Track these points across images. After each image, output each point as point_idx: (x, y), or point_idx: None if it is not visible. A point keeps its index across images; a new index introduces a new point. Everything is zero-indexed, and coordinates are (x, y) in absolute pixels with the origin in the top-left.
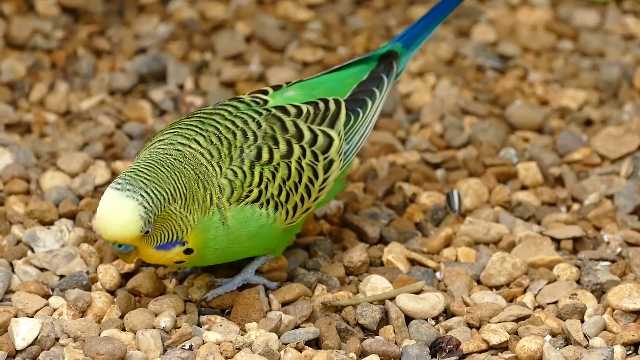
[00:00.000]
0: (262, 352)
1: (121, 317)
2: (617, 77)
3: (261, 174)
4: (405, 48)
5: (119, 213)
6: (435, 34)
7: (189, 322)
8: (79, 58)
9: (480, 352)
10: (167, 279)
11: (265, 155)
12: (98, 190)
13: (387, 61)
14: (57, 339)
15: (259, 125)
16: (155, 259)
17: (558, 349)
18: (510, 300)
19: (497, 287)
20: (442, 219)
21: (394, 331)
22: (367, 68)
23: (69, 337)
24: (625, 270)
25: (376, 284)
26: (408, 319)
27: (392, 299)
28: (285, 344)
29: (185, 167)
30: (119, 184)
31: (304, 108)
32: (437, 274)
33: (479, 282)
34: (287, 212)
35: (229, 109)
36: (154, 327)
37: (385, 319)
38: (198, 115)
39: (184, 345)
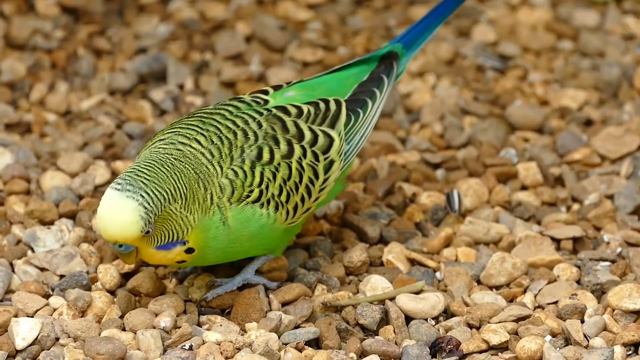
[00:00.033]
0: (262, 352)
1: (121, 317)
2: (617, 77)
3: (262, 174)
4: (405, 49)
5: (120, 213)
6: (436, 34)
7: (189, 322)
8: (79, 58)
9: (480, 352)
10: (167, 278)
11: (266, 155)
12: (98, 190)
13: (387, 62)
14: (57, 339)
15: (260, 125)
16: (156, 259)
17: (558, 349)
18: (510, 300)
19: (497, 287)
20: (442, 219)
21: (394, 331)
22: (368, 69)
23: (69, 337)
24: (625, 271)
25: (376, 284)
26: (408, 319)
27: (392, 299)
28: (285, 344)
29: (185, 167)
30: (119, 184)
31: (305, 108)
32: (437, 274)
33: (479, 282)
34: (288, 212)
35: (230, 108)
36: (154, 327)
37: (385, 319)
38: (199, 115)
39: (184, 345)
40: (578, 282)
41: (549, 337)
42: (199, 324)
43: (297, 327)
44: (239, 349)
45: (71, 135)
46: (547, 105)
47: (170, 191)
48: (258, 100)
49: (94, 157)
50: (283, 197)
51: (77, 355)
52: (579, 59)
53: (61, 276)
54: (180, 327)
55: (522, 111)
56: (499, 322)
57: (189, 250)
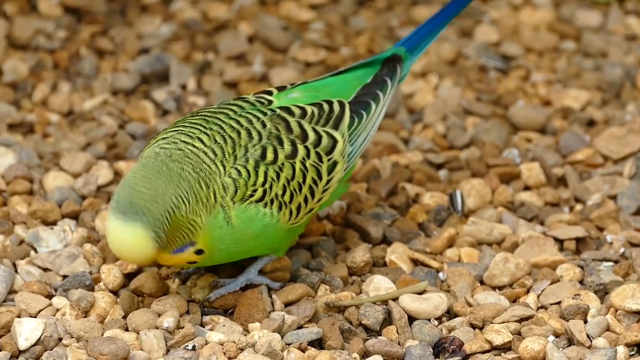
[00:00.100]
0: (265, 353)
1: (124, 317)
2: (619, 78)
3: (266, 173)
4: (409, 52)
5: (131, 241)
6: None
7: (192, 323)
8: (81, 58)
9: (483, 352)
10: (170, 279)
11: (269, 155)
12: (101, 190)
13: (391, 65)
14: (60, 339)
15: (264, 125)
16: (173, 262)
17: (561, 349)
18: (514, 300)
19: (500, 288)
20: (445, 220)
21: (397, 331)
22: (371, 71)
23: (72, 337)
24: (628, 271)
25: (379, 284)
26: (411, 319)
27: (395, 299)
28: (288, 344)
29: (183, 169)
30: (121, 210)
31: (309, 109)
32: (440, 275)
33: (482, 282)
34: (291, 213)
35: (234, 108)
36: (157, 327)
37: (388, 320)
38: (202, 113)
39: (187, 346)
40: (581, 282)
41: (552, 338)
42: (202, 324)
43: (300, 327)
44: (241, 349)
45: (74, 136)
46: (549, 105)
47: (172, 200)
48: (262, 100)
49: (96, 157)
50: (286, 197)
51: (80, 355)
52: (581, 59)
53: (64, 276)
54: (183, 328)
55: (524, 111)
56: (502, 323)
57: (199, 252)
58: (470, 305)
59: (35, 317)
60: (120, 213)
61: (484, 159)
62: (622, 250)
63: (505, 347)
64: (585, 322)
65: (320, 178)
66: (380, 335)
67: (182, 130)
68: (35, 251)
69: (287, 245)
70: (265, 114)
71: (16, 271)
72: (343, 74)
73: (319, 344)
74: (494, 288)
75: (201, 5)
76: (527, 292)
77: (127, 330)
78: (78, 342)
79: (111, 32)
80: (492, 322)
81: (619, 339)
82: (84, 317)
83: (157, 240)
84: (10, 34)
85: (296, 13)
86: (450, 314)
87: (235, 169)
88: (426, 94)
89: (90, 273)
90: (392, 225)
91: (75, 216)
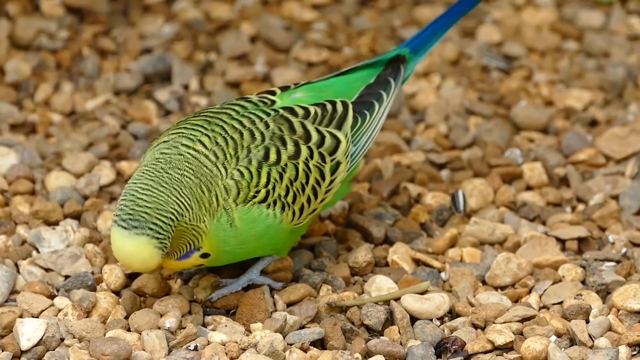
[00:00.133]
0: (267, 353)
1: (126, 317)
2: (622, 78)
3: (269, 174)
4: (413, 53)
5: (136, 253)
6: None
7: (194, 323)
8: (84, 58)
9: (486, 352)
10: (172, 279)
11: (273, 156)
12: (103, 191)
13: (394, 65)
14: (62, 340)
15: (267, 126)
16: (179, 267)
17: (563, 349)
18: (516, 300)
19: (502, 288)
20: (447, 220)
21: (399, 332)
22: (375, 72)
23: (74, 338)
24: (630, 271)
25: (381, 285)
26: (413, 319)
27: (397, 299)
28: (290, 345)
29: (184, 175)
30: (124, 221)
31: (312, 109)
32: (442, 275)
33: (484, 282)
34: (294, 213)
35: (236, 108)
36: (159, 328)
37: (390, 320)
38: (205, 114)
39: (189, 346)
40: (583, 282)
41: (554, 338)
42: (204, 325)
43: (302, 327)
44: (244, 350)
45: (76, 136)
46: (552, 105)
47: (175, 209)
48: (265, 100)
49: (99, 157)
50: (289, 198)
51: (82, 355)
52: (583, 60)
53: (66, 277)
54: (185, 328)
55: (527, 111)
56: (504, 323)
57: (205, 255)
58: (472, 305)
59: (37, 317)
60: (124, 225)
61: (486, 159)
62: (624, 250)
63: (507, 347)
64: (587, 322)
65: (324, 178)
66: (382, 336)
67: (183, 133)
68: (38, 251)
69: (290, 245)
70: (268, 114)
71: (18, 271)
72: (346, 74)
73: (321, 344)
74: (496, 288)
75: (203, 5)
76: (529, 292)
77: (129, 330)
78: (80, 342)
79: (114, 32)
80: (494, 322)
81: (621, 339)
82: (86, 317)
83: (163, 249)
84: (12, 34)
85: (298, 13)
86: (452, 314)
87: (238, 170)
88: (428, 94)
89: (93, 273)
90: (394, 225)
91: (77, 216)
